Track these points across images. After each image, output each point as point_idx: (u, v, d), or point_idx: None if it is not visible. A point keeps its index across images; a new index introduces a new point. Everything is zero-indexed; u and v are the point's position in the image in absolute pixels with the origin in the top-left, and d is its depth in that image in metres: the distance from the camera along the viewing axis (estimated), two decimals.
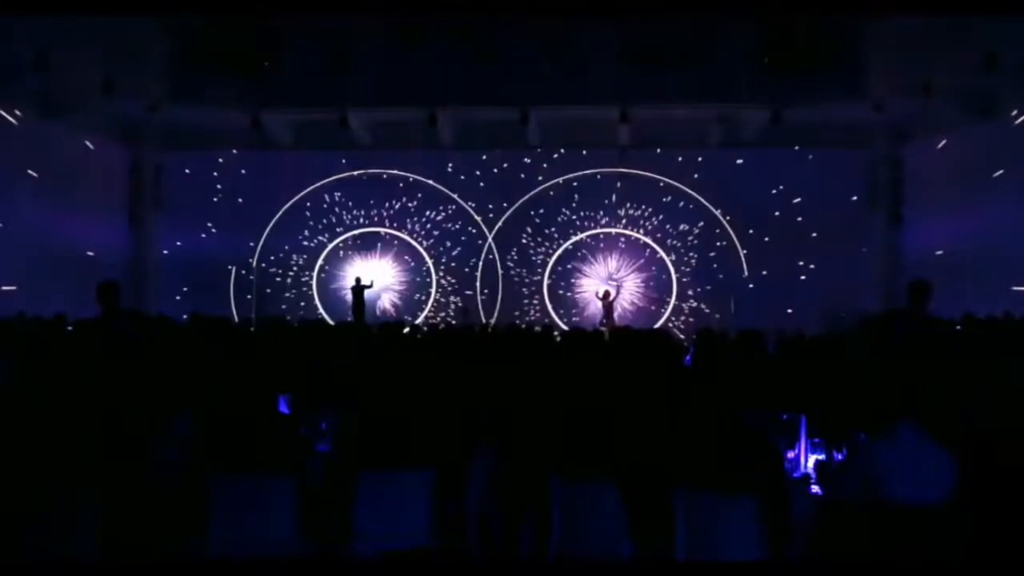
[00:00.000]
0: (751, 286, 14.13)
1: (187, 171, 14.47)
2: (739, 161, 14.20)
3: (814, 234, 13.44)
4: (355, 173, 14.94)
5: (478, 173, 14.83)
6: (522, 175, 14.79)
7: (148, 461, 3.37)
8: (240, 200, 14.46)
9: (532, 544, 3.46)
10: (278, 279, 15.20)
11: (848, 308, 12.04)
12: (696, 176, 14.36)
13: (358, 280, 14.53)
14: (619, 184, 14.68)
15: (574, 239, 14.94)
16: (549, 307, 14.90)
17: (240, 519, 3.06)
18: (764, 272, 14.04)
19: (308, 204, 15.05)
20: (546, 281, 14.97)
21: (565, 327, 13.79)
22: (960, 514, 2.85)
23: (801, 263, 13.73)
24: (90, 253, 12.68)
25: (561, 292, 15.06)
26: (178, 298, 13.56)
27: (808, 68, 12.50)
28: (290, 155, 15.01)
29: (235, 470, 3.07)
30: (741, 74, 12.81)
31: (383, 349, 6.15)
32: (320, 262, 15.31)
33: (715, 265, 14.48)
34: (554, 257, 14.95)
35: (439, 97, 13.38)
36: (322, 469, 3.42)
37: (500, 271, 15.03)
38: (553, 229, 14.98)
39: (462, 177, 14.89)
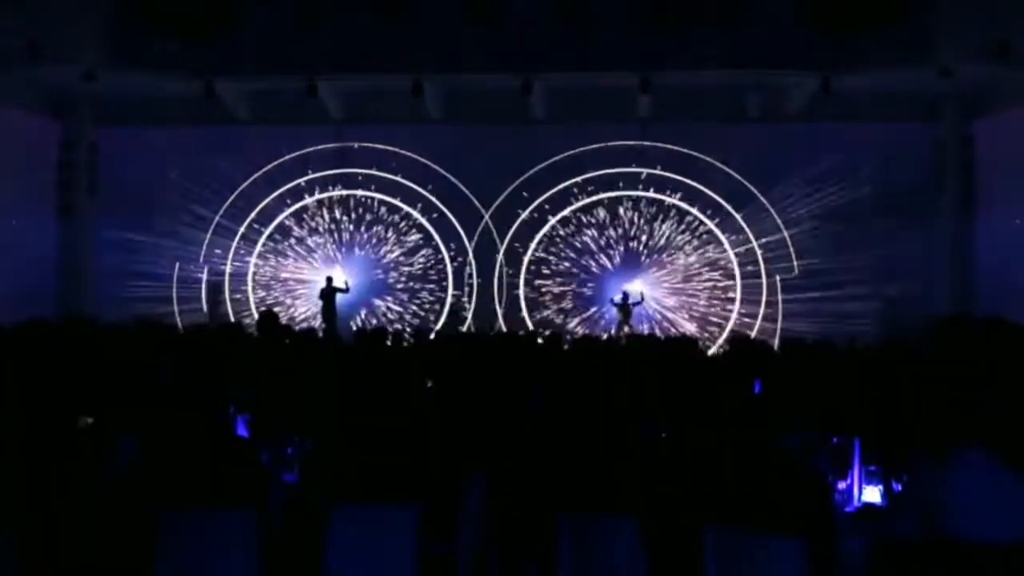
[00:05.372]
0: (797, 284, 14.14)
1: (126, 150, 14.45)
2: (782, 136, 14.21)
3: (870, 223, 13.44)
4: (329, 146, 14.98)
5: (471, 153, 14.83)
6: (524, 155, 14.78)
7: (83, 492, 3.39)
8: (189, 185, 14.46)
9: None
10: (232, 276, 15.23)
11: (912, 310, 12.04)
12: (730, 154, 14.36)
13: (329, 280, 14.50)
14: (636, 159, 14.68)
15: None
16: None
17: (192, 559, 3.08)
18: (811, 268, 14.05)
19: (268, 184, 15.08)
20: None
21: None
22: None
23: (855, 257, 13.73)
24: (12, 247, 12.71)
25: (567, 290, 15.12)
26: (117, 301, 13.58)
27: (863, 27, 12.50)
28: (249, 131, 15.03)
29: (185, 503, 3.09)
30: (784, 34, 12.82)
31: (360, 361, 6.17)
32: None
33: (755, 259, 14.48)
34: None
35: (426, 62, 13.38)
36: (288, 502, 3.44)
37: (500, 270, 15.04)
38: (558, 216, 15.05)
39: (453, 157, 14.89)
